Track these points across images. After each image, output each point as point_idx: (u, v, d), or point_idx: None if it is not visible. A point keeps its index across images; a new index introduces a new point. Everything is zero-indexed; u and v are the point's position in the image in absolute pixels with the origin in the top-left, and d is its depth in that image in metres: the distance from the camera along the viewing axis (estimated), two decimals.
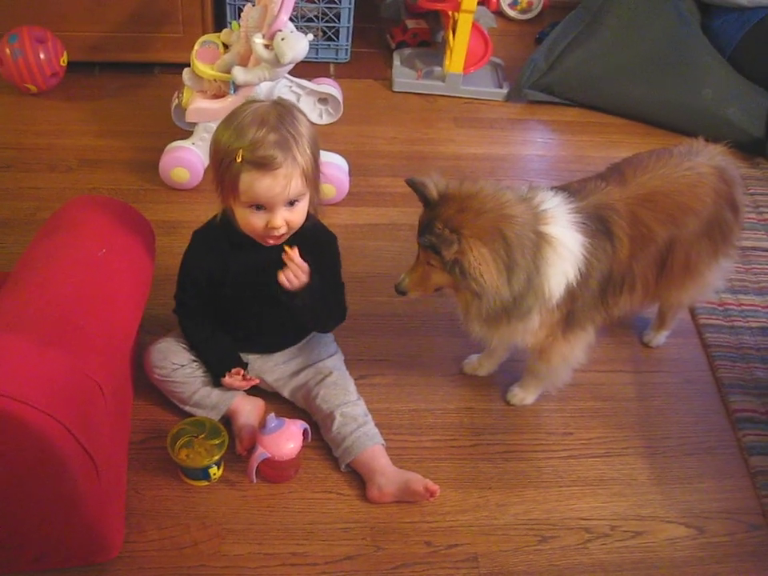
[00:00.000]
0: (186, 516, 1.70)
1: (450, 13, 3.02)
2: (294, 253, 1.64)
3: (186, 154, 2.44)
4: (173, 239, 2.27)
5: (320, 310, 1.76)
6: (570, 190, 1.73)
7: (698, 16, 3.24)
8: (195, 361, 1.84)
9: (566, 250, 1.63)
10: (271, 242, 1.65)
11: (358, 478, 1.79)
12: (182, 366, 1.83)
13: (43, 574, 1.57)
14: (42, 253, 1.64)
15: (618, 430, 1.97)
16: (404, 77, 3.14)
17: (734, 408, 2.02)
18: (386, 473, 1.74)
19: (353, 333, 2.09)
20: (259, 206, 1.58)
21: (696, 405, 2.06)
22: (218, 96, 2.40)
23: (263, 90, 2.39)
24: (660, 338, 2.17)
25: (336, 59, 3.24)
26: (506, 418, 1.97)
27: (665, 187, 1.76)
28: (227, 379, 1.79)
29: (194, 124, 2.45)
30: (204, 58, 2.39)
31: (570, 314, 1.74)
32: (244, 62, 2.33)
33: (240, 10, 2.44)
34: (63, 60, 2.83)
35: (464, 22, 2.90)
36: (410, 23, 3.34)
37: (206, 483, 1.75)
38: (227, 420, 1.83)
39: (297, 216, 1.63)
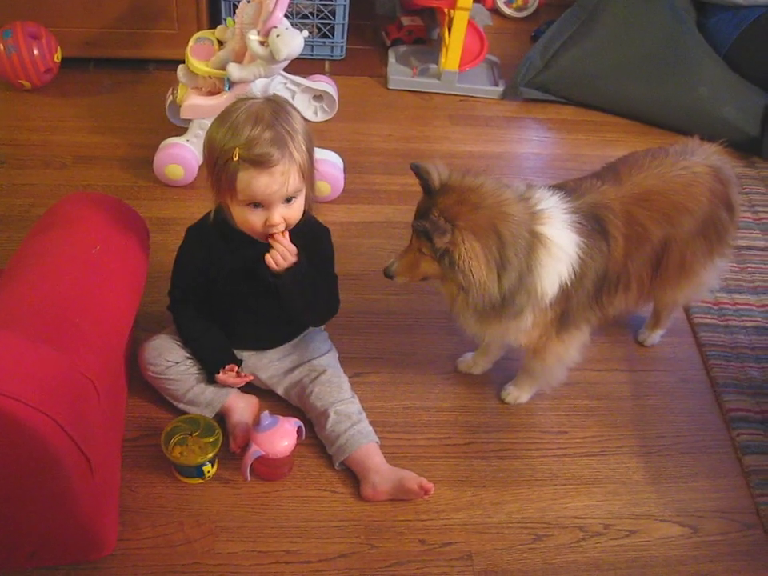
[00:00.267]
0: (179, 514, 1.70)
1: (445, 10, 3.01)
2: (281, 235, 1.63)
3: (181, 151, 2.44)
4: (167, 236, 2.26)
5: (311, 297, 1.74)
6: (566, 188, 1.73)
7: (694, 14, 3.25)
8: (189, 358, 1.84)
9: (559, 251, 1.63)
10: (269, 238, 1.65)
11: (352, 476, 1.78)
12: (176, 363, 1.82)
13: (37, 572, 1.57)
14: (35, 249, 1.63)
15: (612, 428, 1.97)
16: (399, 74, 3.14)
17: (729, 407, 2.02)
18: (381, 471, 1.74)
19: (347, 330, 2.09)
20: (257, 204, 1.58)
21: (690, 404, 2.06)
22: (212, 93, 2.39)
23: (258, 86, 2.38)
24: (655, 337, 2.18)
25: (331, 56, 3.24)
26: (500, 417, 1.97)
27: (660, 186, 1.76)
28: (221, 376, 1.79)
29: (189, 121, 2.45)
30: (199, 55, 2.38)
31: (564, 313, 1.74)
32: (239, 59, 2.32)
33: (235, 7, 2.44)
34: (57, 56, 2.82)
35: (460, 20, 2.89)
36: (406, 20, 3.33)
37: (200, 481, 1.75)
38: (221, 417, 1.83)
39: (294, 212, 1.62)
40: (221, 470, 1.77)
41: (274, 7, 2.13)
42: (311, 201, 1.70)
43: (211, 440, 1.72)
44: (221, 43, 2.44)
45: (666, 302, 2.05)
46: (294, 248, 1.64)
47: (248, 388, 1.87)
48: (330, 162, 2.44)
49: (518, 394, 1.98)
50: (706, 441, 1.97)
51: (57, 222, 1.71)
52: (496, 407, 1.99)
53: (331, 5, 3.08)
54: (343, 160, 2.52)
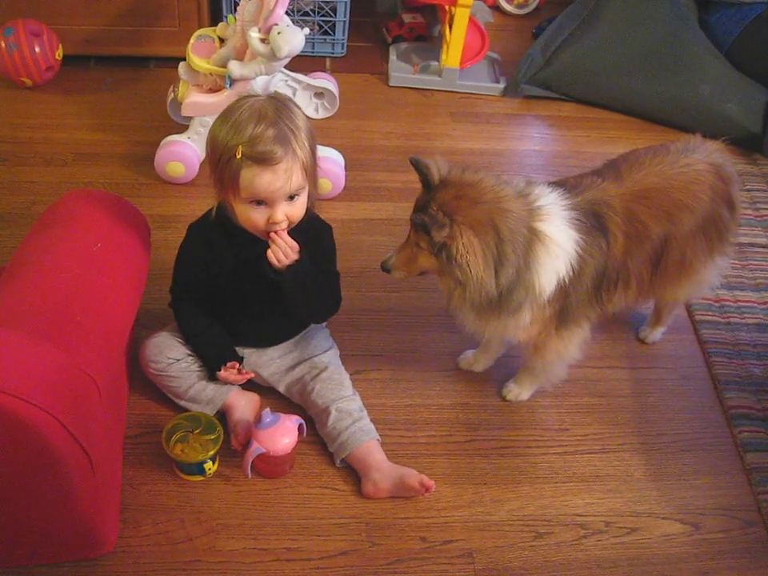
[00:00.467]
0: (180, 511, 1.70)
1: (446, 7, 3.01)
2: (283, 232, 1.63)
3: (182, 148, 2.44)
4: (168, 233, 2.26)
5: (312, 294, 1.74)
6: (566, 185, 1.73)
7: (696, 11, 3.24)
8: (191, 355, 1.84)
9: (557, 248, 1.63)
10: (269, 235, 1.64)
11: (353, 474, 1.78)
12: (178, 360, 1.82)
13: (38, 569, 1.57)
14: (37, 247, 1.63)
15: (613, 426, 1.97)
16: (400, 71, 3.13)
17: (730, 404, 2.02)
18: (382, 468, 1.74)
19: (349, 328, 2.09)
20: (260, 202, 1.58)
21: (692, 401, 2.06)
22: (213, 90, 2.39)
23: (259, 84, 2.38)
24: (656, 334, 2.17)
25: (332, 53, 3.24)
26: (501, 414, 1.97)
27: (661, 184, 1.76)
28: (222, 373, 1.79)
29: (190, 118, 2.45)
30: (200, 52, 2.38)
31: (563, 310, 1.74)
32: (240, 56, 2.32)
33: (236, 4, 2.43)
34: (58, 53, 2.81)
35: (461, 17, 2.89)
36: (407, 17, 3.33)
37: (201, 478, 1.75)
38: (222, 415, 1.83)
39: (297, 210, 1.62)
40: (222, 467, 1.77)
41: (275, 4, 2.13)
42: (314, 198, 1.70)
43: (212, 437, 1.72)
44: (222, 40, 2.44)
45: (667, 299, 2.05)
46: (295, 245, 1.64)
47: (249, 385, 1.87)
48: (331, 160, 2.44)
49: (519, 391, 1.98)
50: (707, 438, 1.97)
51: (58, 219, 1.71)
52: (497, 405, 1.99)
53: (332, 2, 3.07)
54: (344, 157, 2.52)
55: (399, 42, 3.28)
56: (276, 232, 1.62)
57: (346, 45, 3.23)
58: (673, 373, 2.13)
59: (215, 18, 2.96)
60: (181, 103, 2.42)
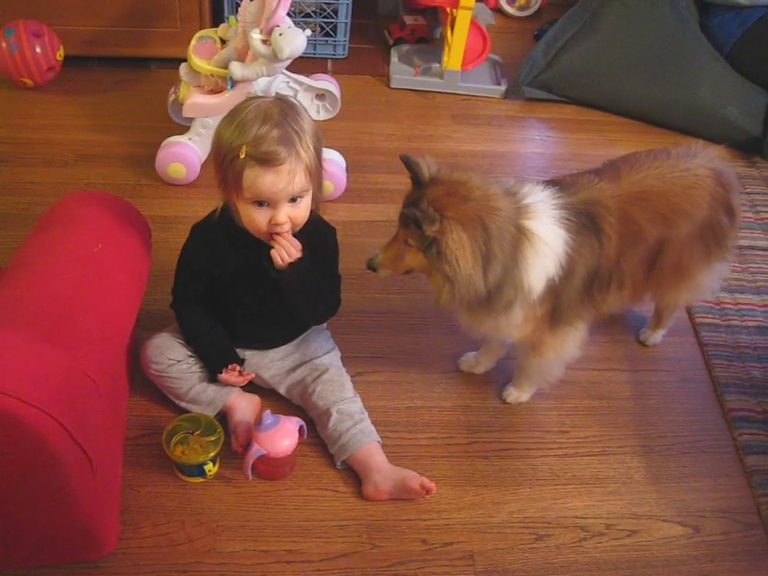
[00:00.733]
0: (181, 513, 1.69)
1: (448, 9, 3.01)
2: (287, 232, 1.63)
3: (183, 149, 2.44)
4: (169, 234, 2.26)
5: (312, 294, 1.74)
6: (562, 183, 1.73)
7: (696, 14, 3.25)
8: (192, 356, 1.84)
9: (545, 246, 1.63)
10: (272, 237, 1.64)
11: (354, 475, 1.78)
12: (179, 361, 1.82)
13: (37, 570, 1.57)
14: (37, 248, 1.63)
15: (613, 428, 1.97)
16: (402, 73, 3.14)
17: (730, 407, 2.02)
18: (382, 470, 1.74)
19: (350, 330, 2.09)
20: (262, 203, 1.58)
21: (692, 404, 2.06)
22: (215, 91, 2.39)
23: (260, 85, 2.38)
24: (656, 336, 2.17)
25: (334, 55, 3.24)
26: (502, 416, 1.97)
27: (659, 187, 1.75)
28: (223, 375, 1.79)
29: (191, 119, 2.45)
30: (201, 53, 2.38)
31: (555, 309, 1.73)
32: (241, 58, 2.32)
33: (237, 5, 2.43)
34: (59, 54, 2.82)
35: (462, 19, 2.89)
36: (408, 19, 3.33)
37: (202, 480, 1.75)
38: (223, 416, 1.83)
39: (300, 212, 1.62)
40: (222, 469, 1.77)
41: (277, 6, 2.13)
42: (318, 201, 1.71)
43: (213, 439, 1.72)
44: (223, 42, 2.44)
45: (665, 302, 2.05)
46: (298, 244, 1.64)
47: (250, 387, 1.86)
48: (332, 161, 2.44)
49: (519, 393, 1.98)
50: (707, 441, 1.97)
51: (58, 220, 1.71)
52: (498, 407, 1.99)
53: (334, 4, 3.08)
54: (346, 159, 2.52)
55: (401, 44, 3.29)
56: (279, 234, 1.62)
57: (347, 46, 3.23)
58: (673, 375, 2.12)
59: (216, 19, 2.97)
60: (182, 104, 2.43)
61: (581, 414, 2.00)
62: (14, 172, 2.52)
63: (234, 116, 1.57)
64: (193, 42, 2.42)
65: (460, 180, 1.60)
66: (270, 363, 1.90)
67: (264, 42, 2.17)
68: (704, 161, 1.81)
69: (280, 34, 2.11)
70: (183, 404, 1.83)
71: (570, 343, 1.84)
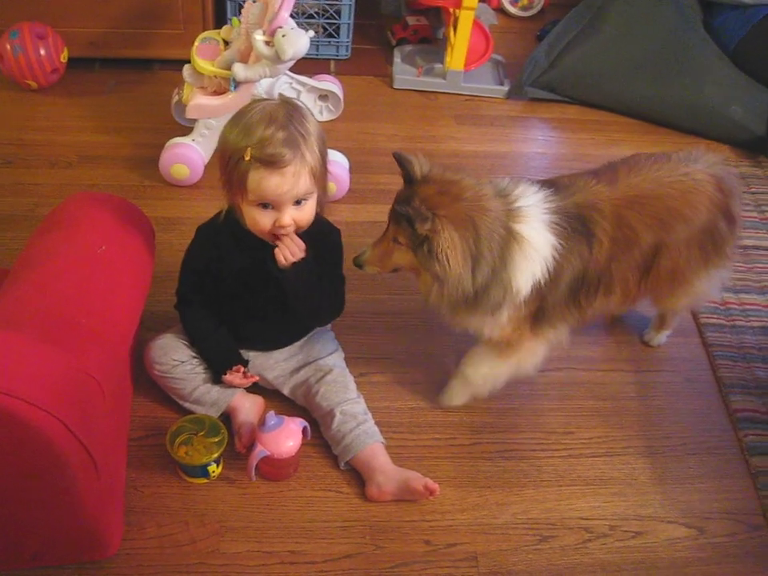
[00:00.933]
0: (184, 514, 1.70)
1: (451, 9, 3.01)
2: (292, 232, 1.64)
3: (186, 151, 2.44)
4: (172, 236, 2.27)
5: (314, 295, 1.73)
6: (558, 184, 1.73)
7: (700, 14, 3.24)
8: (195, 357, 1.84)
9: (533, 251, 1.62)
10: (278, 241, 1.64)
11: (358, 476, 1.78)
12: (182, 362, 1.82)
13: (42, 571, 1.57)
14: (41, 249, 1.63)
15: (618, 429, 1.97)
16: (405, 74, 3.14)
17: (735, 408, 2.02)
18: (386, 471, 1.74)
19: (353, 330, 2.09)
20: (267, 205, 1.58)
21: (697, 404, 2.05)
22: (218, 92, 2.39)
23: (263, 86, 2.38)
24: (660, 337, 2.17)
25: (336, 56, 3.24)
26: (505, 417, 1.97)
27: (657, 191, 1.73)
28: (227, 376, 1.79)
29: (194, 120, 2.45)
30: (204, 55, 2.38)
31: (539, 310, 1.73)
32: (244, 59, 2.32)
33: (241, 7, 2.44)
34: (63, 56, 2.82)
35: (465, 19, 2.89)
36: (411, 20, 3.33)
37: (205, 481, 1.75)
38: (227, 417, 1.83)
39: (305, 215, 1.62)
40: (226, 469, 1.77)
41: (280, 7, 2.13)
42: (323, 204, 1.70)
43: (216, 440, 1.72)
44: (226, 43, 2.44)
45: (663, 307, 2.05)
46: (302, 243, 1.64)
47: (254, 388, 1.87)
48: (335, 162, 2.43)
49: (452, 395, 1.95)
50: (712, 442, 1.96)
51: (62, 221, 1.71)
52: (501, 407, 1.98)
53: (337, 5, 3.08)
54: (349, 160, 2.52)
55: (403, 45, 3.29)
56: (283, 236, 1.62)
57: (350, 47, 3.23)
58: (678, 376, 2.12)
59: (219, 21, 2.97)
60: (185, 106, 2.43)
61: (585, 415, 1.99)
62: (18, 173, 2.52)
63: (239, 118, 1.57)
64: (196, 43, 2.42)
65: (452, 180, 1.61)
66: (275, 364, 1.90)
67: (267, 43, 2.17)
68: (704, 166, 1.79)
69: (283, 36, 2.11)
70: (187, 405, 1.83)
71: (544, 346, 1.82)
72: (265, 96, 2.33)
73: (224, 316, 1.84)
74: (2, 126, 2.71)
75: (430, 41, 3.34)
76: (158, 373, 1.83)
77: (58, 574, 1.57)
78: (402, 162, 1.63)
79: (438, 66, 3.13)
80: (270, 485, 1.76)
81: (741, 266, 2.43)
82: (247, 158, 1.52)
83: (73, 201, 1.78)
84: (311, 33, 2.16)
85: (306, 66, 2.60)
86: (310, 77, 2.72)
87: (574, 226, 1.66)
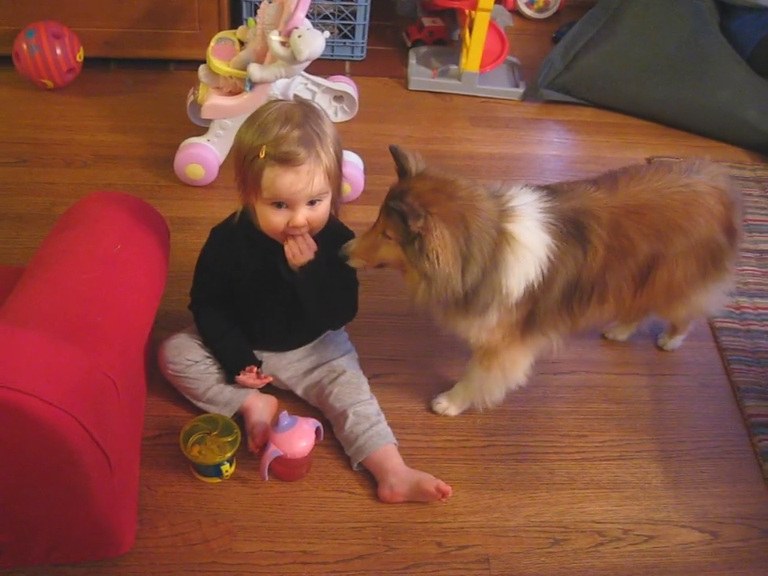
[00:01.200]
0: (197, 513, 1.70)
1: (466, 11, 3.01)
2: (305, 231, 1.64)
3: (201, 151, 2.44)
4: (187, 235, 2.27)
5: (326, 297, 1.73)
6: (557, 189, 1.71)
7: (717, 16, 3.22)
8: (209, 357, 1.84)
9: (526, 251, 1.61)
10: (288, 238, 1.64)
11: (370, 477, 1.78)
12: (196, 362, 1.83)
13: (54, 568, 1.58)
14: (57, 248, 1.64)
15: (631, 432, 1.96)
16: (420, 75, 3.14)
17: (750, 412, 2.01)
18: (398, 472, 1.74)
19: (367, 331, 2.09)
20: (281, 204, 1.58)
21: (711, 409, 2.04)
22: (233, 93, 2.40)
23: (279, 87, 2.39)
24: (674, 342, 2.16)
25: (352, 57, 3.24)
26: (519, 420, 1.96)
27: (656, 201, 1.71)
28: (241, 377, 1.79)
29: (210, 121, 2.45)
30: (220, 55, 2.39)
31: (530, 315, 1.71)
32: (260, 59, 2.33)
33: (256, 7, 2.44)
34: (79, 56, 2.84)
35: (481, 21, 2.89)
36: (426, 21, 3.33)
37: (218, 480, 1.75)
38: (240, 417, 1.83)
39: (319, 215, 1.63)
40: (239, 469, 1.77)
41: (296, 8, 2.13)
42: (337, 205, 1.71)
43: (230, 439, 1.72)
44: (242, 43, 2.45)
45: (663, 318, 2.03)
46: (313, 244, 1.65)
47: (267, 388, 1.87)
48: (350, 163, 2.44)
49: (448, 405, 1.95)
50: (726, 446, 1.95)
51: (78, 220, 1.72)
52: (514, 410, 1.98)
53: (352, 5, 3.08)
54: (363, 161, 2.52)
55: (419, 46, 3.29)
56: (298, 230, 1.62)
57: (365, 48, 3.24)
58: (692, 380, 2.11)
59: (235, 21, 2.98)
60: (201, 106, 2.44)
61: (599, 418, 1.99)
62: (34, 172, 2.54)
63: (255, 118, 1.58)
64: (212, 43, 2.43)
65: (447, 179, 1.60)
66: (288, 364, 1.90)
67: (283, 43, 2.17)
68: (707, 178, 1.77)
69: (299, 36, 2.11)
70: (200, 404, 1.84)
71: (531, 354, 1.81)
72: (280, 97, 2.34)
73: (238, 317, 1.84)
74: (17, 125, 2.72)
75: (446, 42, 3.35)
76: (172, 372, 1.84)
77: (72, 572, 1.58)
78: (397, 155, 1.63)
79: (454, 67, 3.12)
80: (283, 485, 1.76)
81: (756, 270, 2.42)
82: (262, 156, 1.53)
83: (89, 200, 1.79)
84: (327, 34, 2.17)
85: (321, 66, 2.61)
86: (326, 78, 2.73)
87: (569, 229, 1.65)
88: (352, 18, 3.12)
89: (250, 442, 1.79)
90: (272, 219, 1.60)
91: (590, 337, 2.15)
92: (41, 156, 2.60)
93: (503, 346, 1.76)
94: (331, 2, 3.08)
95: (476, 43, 2.96)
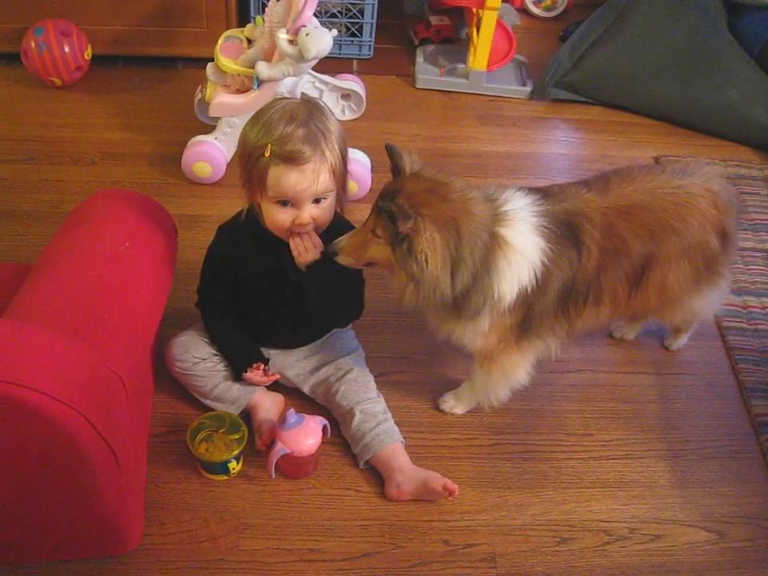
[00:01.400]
0: (204, 510, 1.70)
1: (474, 9, 3.00)
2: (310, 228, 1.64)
3: (209, 149, 2.45)
4: (194, 233, 2.28)
5: (333, 296, 1.73)
6: (548, 192, 1.70)
7: (725, 15, 3.21)
8: (216, 355, 1.85)
9: (519, 256, 1.60)
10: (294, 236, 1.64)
11: (377, 476, 1.78)
12: (204, 359, 1.83)
13: (62, 565, 1.58)
14: (64, 245, 1.64)
15: (638, 432, 1.96)
16: (427, 73, 3.14)
17: (757, 412, 2.00)
18: (405, 471, 1.74)
19: (374, 330, 2.09)
20: (286, 202, 1.59)
21: (718, 408, 2.04)
22: (241, 91, 2.40)
23: (286, 85, 2.39)
24: (679, 342, 2.15)
25: (359, 55, 3.24)
26: (525, 418, 1.96)
27: (648, 202, 1.70)
28: (248, 374, 1.80)
29: (217, 118, 2.46)
30: (228, 53, 2.39)
31: (525, 320, 1.70)
32: (268, 58, 2.33)
33: (264, 5, 2.44)
34: (87, 53, 2.84)
35: (488, 19, 2.88)
36: (434, 20, 3.33)
37: (225, 477, 1.75)
38: (247, 415, 1.84)
39: (324, 213, 1.63)
40: (246, 467, 1.78)
41: (303, 6, 2.13)
42: (343, 203, 1.71)
43: (237, 437, 1.73)
44: (250, 42, 2.45)
45: (660, 320, 2.03)
46: (319, 242, 1.65)
47: (274, 386, 1.87)
48: (357, 161, 2.44)
49: (455, 404, 1.95)
50: (733, 446, 1.95)
51: (86, 218, 1.72)
52: (521, 408, 1.98)
53: (360, 4, 3.08)
54: (370, 159, 2.52)
55: (426, 45, 3.29)
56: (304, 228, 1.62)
57: (373, 47, 3.23)
58: (699, 379, 2.11)
59: (243, 19, 2.98)
60: (208, 104, 2.44)
61: (606, 417, 1.99)
62: (42, 170, 2.54)
63: (259, 116, 1.58)
64: (220, 41, 2.43)
65: (441, 180, 1.59)
66: (295, 362, 1.90)
67: (290, 42, 2.17)
68: (700, 180, 1.75)
69: (306, 34, 2.11)
70: (207, 402, 1.84)
71: (528, 360, 1.81)
72: (287, 95, 2.34)
73: (244, 314, 1.85)
74: (25, 123, 2.73)
75: (453, 41, 3.34)
76: (179, 370, 1.84)
77: (79, 568, 1.58)
78: (392, 153, 1.62)
79: (461, 66, 3.12)
80: (290, 482, 1.77)
81: (763, 269, 2.42)
82: (267, 155, 1.53)
83: (97, 198, 1.79)
84: (334, 32, 2.17)
85: (328, 65, 2.61)
86: (333, 76, 2.73)
87: (563, 231, 1.64)
88: (359, 17, 3.12)
89: (256, 439, 1.79)
90: (277, 217, 1.61)
91: (597, 336, 2.15)
92: (48, 153, 2.61)
93: (500, 350, 1.75)
94: (339, 1, 3.08)
95: (483, 42, 2.95)
